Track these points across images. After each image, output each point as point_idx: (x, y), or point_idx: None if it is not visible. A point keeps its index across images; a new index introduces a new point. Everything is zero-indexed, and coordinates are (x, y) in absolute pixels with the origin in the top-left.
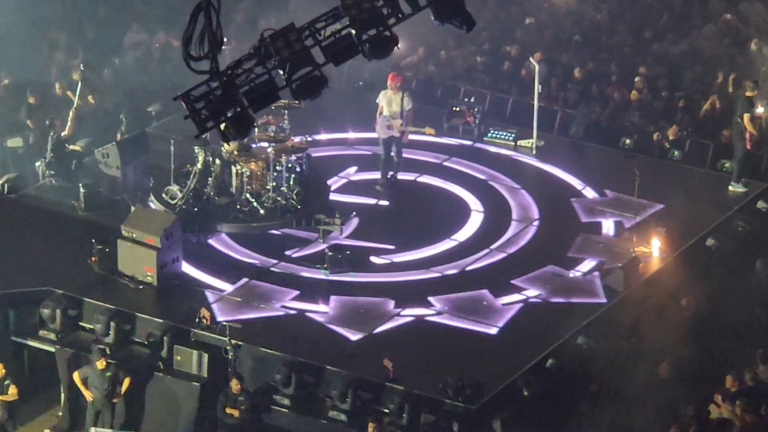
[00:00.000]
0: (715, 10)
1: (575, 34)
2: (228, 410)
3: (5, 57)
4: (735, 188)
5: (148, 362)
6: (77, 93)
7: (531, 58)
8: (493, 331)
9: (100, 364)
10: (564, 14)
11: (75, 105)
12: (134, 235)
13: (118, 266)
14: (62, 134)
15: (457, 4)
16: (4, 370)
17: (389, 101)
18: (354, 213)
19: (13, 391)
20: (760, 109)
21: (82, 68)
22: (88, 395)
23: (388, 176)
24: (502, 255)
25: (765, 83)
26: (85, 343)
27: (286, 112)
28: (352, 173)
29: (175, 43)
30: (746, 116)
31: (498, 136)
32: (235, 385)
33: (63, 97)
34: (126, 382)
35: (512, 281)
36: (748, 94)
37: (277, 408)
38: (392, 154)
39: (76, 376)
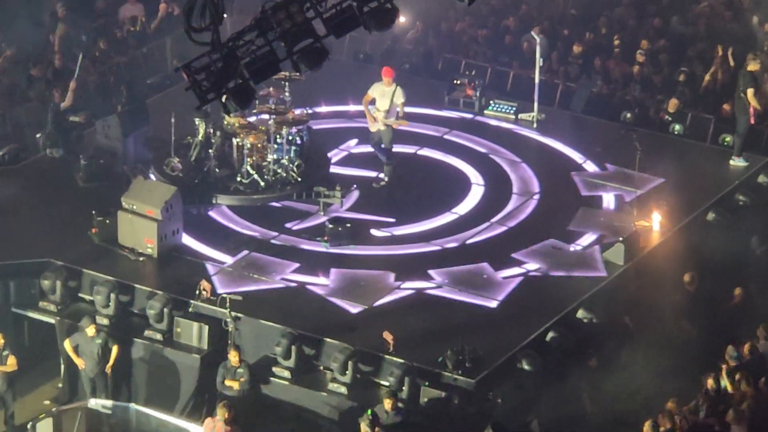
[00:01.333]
0: None
1: (574, 8)
2: (227, 383)
3: (7, 28)
4: (736, 163)
5: (148, 334)
6: (78, 64)
7: (532, 32)
8: (493, 304)
9: (90, 330)
10: None
11: (75, 76)
12: (134, 207)
13: (118, 238)
14: (62, 105)
15: None
16: (3, 341)
17: (381, 94)
18: (354, 186)
19: (12, 362)
20: None
21: (84, 39)
22: (80, 363)
23: (377, 176)
24: (503, 228)
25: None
26: (84, 315)
27: (286, 84)
28: (352, 146)
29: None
30: (750, 91)
31: (499, 109)
32: (234, 357)
33: (64, 68)
34: (115, 350)
35: (513, 255)
36: (750, 68)
37: (277, 380)
38: (381, 147)
39: (67, 343)
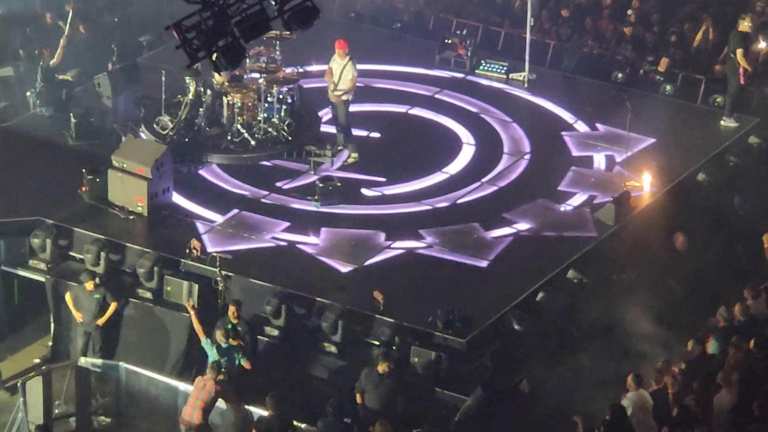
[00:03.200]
0: None
1: None
2: (231, 342)
3: None
4: (727, 123)
5: (138, 292)
6: (68, 22)
7: None
8: (484, 264)
9: (89, 285)
10: None
11: (65, 34)
12: (125, 166)
13: (108, 196)
14: (51, 63)
15: None
16: None
17: (336, 68)
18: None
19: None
20: (762, 44)
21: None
22: (78, 316)
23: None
24: (493, 188)
25: (759, 18)
26: (74, 273)
27: (277, 43)
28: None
29: None
30: (739, 51)
31: (490, 69)
32: (232, 312)
33: (54, 26)
34: (113, 306)
35: (503, 214)
36: (741, 28)
37: (268, 339)
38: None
39: (68, 296)
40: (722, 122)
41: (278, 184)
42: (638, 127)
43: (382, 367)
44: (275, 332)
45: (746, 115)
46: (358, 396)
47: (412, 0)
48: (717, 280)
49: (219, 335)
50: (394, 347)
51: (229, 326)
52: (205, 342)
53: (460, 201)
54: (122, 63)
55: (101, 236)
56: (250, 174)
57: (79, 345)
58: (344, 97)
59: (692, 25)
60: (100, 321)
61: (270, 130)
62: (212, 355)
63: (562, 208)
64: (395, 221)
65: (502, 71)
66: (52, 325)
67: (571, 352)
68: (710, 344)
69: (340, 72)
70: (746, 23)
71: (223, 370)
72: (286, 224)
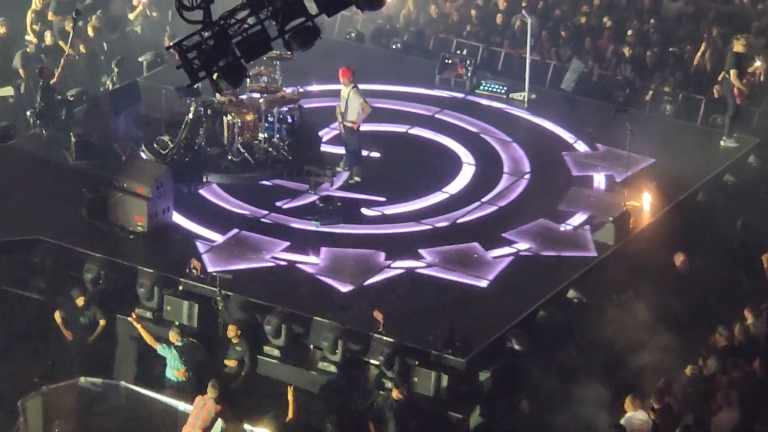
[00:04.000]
0: None
1: None
2: (226, 362)
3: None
4: (726, 143)
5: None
6: (69, 41)
7: (523, 11)
8: (484, 284)
9: (80, 301)
10: None
11: (66, 53)
12: (125, 185)
13: (108, 216)
14: (51, 82)
15: None
16: None
17: (342, 96)
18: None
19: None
20: (757, 63)
21: (75, 16)
22: (68, 335)
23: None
24: (493, 208)
25: (758, 38)
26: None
27: (278, 63)
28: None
29: None
30: (733, 72)
31: (490, 88)
32: (232, 331)
33: (55, 46)
34: (101, 324)
35: (503, 234)
36: (736, 49)
37: (267, 359)
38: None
39: (57, 315)
40: (722, 143)
41: (278, 203)
42: (638, 147)
43: (397, 393)
44: (275, 351)
45: (746, 135)
46: (371, 425)
47: (413, 20)
48: (717, 299)
49: (173, 335)
50: (394, 367)
51: (176, 323)
52: (161, 348)
53: (460, 220)
54: (122, 82)
55: (101, 256)
56: (250, 194)
57: (75, 362)
58: (354, 126)
59: (693, 46)
60: (91, 339)
61: (270, 149)
62: (172, 357)
63: (562, 228)
64: (395, 241)
65: (503, 91)
66: (52, 345)
67: (571, 372)
68: (710, 364)
69: (345, 101)
70: (741, 44)
71: (183, 368)
72: (286, 244)
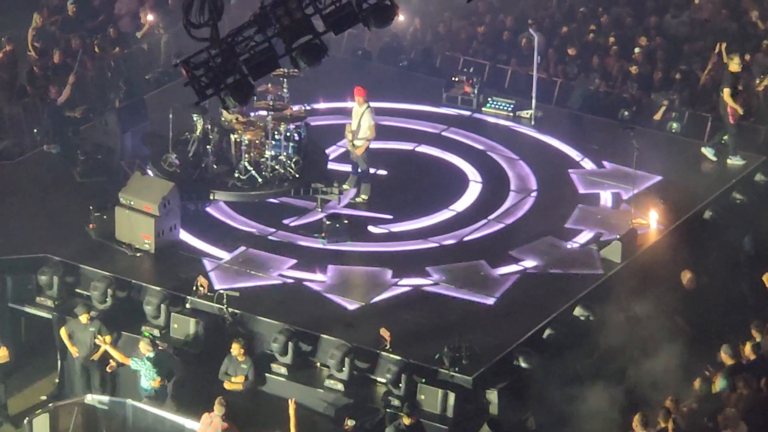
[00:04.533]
0: None
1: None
2: (233, 379)
3: (6, 22)
4: (733, 161)
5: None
6: (77, 59)
7: (530, 29)
8: (491, 301)
9: (84, 318)
10: None
11: (75, 70)
12: (132, 203)
13: (115, 233)
14: (59, 100)
15: None
16: None
17: (354, 115)
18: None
19: (3, 353)
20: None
21: (83, 34)
22: (74, 351)
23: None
24: (500, 225)
25: (766, 57)
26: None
27: (285, 80)
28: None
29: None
30: (726, 91)
31: (497, 106)
32: (236, 349)
33: (61, 64)
34: (107, 339)
35: (510, 252)
36: (731, 68)
37: (274, 376)
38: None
39: (62, 331)
40: (728, 161)
41: (285, 221)
42: (645, 165)
43: (408, 421)
44: (282, 369)
45: (752, 153)
46: None
47: (419, 38)
48: (724, 317)
49: (143, 346)
50: (401, 384)
51: (146, 333)
52: (133, 363)
53: (466, 238)
54: (129, 100)
55: (108, 273)
56: (257, 211)
57: (81, 379)
58: (363, 146)
59: (700, 63)
60: (96, 356)
61: (277, 167)
62: (147, 368)
63: (568, 246)
64: (402, 258)
65: (509, 109)
66: (59, 362)
67: (578, 390)
68: (718, 382)
69: (358, 120)
70: (735, 63)
71: (158, 377)
72: (293, 261)
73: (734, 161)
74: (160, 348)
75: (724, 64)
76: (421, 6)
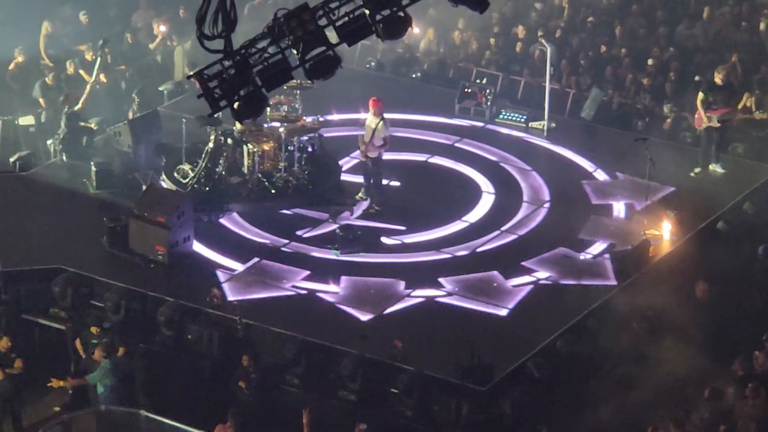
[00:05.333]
0: None
1: (588, 15)
2: (240, 384)
3: (17, 34)
4: (715, 168)
5: (158, 341)
6: (95, 68)
7: (541, 39)
8: (504, 312)
9: (95, 330)
10: None
11: (92, 80)
12: (146, 214)
13: (129, 245)
14: (76, 108)
15: None
16: (10, 344)
17: (368, 125)
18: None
19: (18, 365)
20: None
21: (101, 44)
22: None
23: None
24: (513, 236)
25: None
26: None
27: (298, 92)
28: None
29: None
30: (700, 95)
31: (509, 117)
32: (246, 360)
33: (75, 75)
34: (120, 352)
35: (523, 263)
36: (715, 79)
37: (287, 387)
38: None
39: (77, 342)
40: (710, 167)
41: (298, 232)
42: (658, 176)
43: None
44: (295, 380)
45: (765, 164)
46: None
47: (432, 49)
48: (737, 328)
49: (99, 353)
50: (413, 395)
51: (95, 341)
52: (92, 378)
53: (479, 249)
54: (143, 112)
55: (122, 285)
56: (270, 222)
57: (94, 392)
58: (376, 155)
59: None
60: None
61: (290, 178)
62: (103, 375)
63: (581, 257)
64: (415, 270)
65: (522, 120)
66: (73, 373)
67: (590, 401)
68: (729, 393)
69: (372, 131)
70: (719, 76)
71: (116, 380)
72: (306, 273)
73: (716, 168)
74: (115, 354)
75: (737, 75)
76: (434, 17)
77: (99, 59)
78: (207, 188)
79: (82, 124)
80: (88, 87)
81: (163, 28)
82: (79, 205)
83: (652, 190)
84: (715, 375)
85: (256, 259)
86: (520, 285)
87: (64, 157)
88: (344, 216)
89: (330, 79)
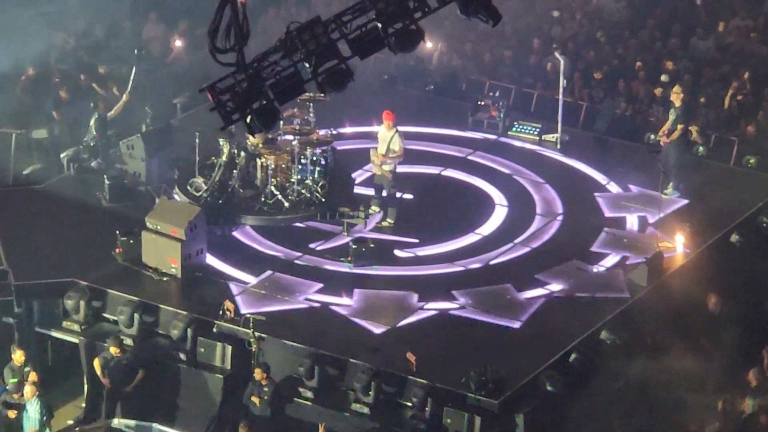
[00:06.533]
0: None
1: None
2: (252, 398)
3: (28, 47)
4: (666, 191)
5: (172, 354)
6: (132, 77)
7: (555, 53)
8: (517, 325)
9: (114, 350)
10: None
11: (129, 89)
12: (159, 227)
13: (142, 258)
14: (108, 115)
15: None
16: (24, 358)
17: (382, 138)
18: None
19: (33, 378)
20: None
21: (136, 52)
22: (105, 383)
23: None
24: (526, 249)
25: None
26: (108, 335)
27: (311, 105)
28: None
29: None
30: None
31: (522, 130)
32: (259, 374)
33: (88, 88)
34: (140, 373)
35: (536, 275)
36: (671, 98)
37: (300, 400)
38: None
39: (96, 362)
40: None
41: (312, 245)
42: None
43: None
44: (308, 393)
45: None
46: None
47: (445, 62)
48: (750, 341)
49: (30, 392)
50: (426, 408)
51: (14, 380)
52: (26, 421)
53: (492, 262)
54: (156, 125)
55: (135, 298)
56: (283, 235)
57: (108, 410)
58: (390, 167)
59: (726, 86)
60: (129, 387)
61: (303, 191)
62: (35, 410)
63: (594, 269)
64: (428, 282)
65: (535, 133)
66: (86, 387)
67: (604, 413)
68: (746, 404)
69: (387, 144)
70: (675, 95)
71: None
72: (320, 285)
73: (667, 191)
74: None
75: (750, 88)
76: (447, 30)
77: (134, 68)
78: (220, 201)
79: (110, 132)
80: (125, 96)
81: (178, 43)
82: (91, 218)
83: (666, 202)
84: (728, 387)
85: (269, 272)
86: (533, 298)
87: (95, 163)
88: (357, 229)
89: (343, 91)
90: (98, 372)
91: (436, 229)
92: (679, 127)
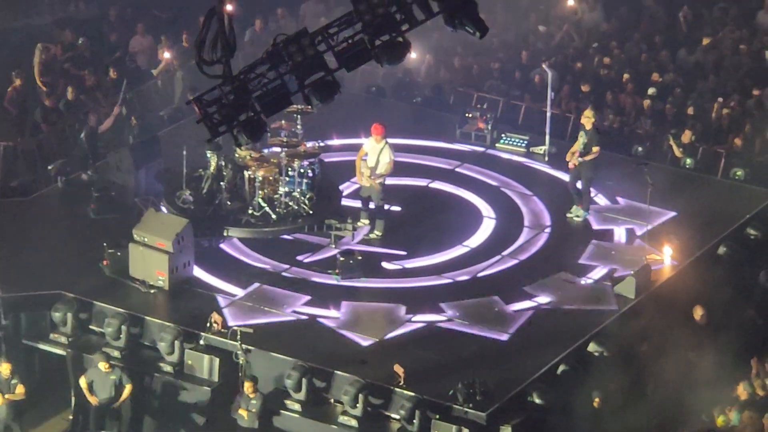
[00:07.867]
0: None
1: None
2: (240, 411)
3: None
4: (574, 213)
5: (159, 366)
6: (122, 90)
7: (543, 65)
8: (504, 337)
9: (103, 366)
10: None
11: (120, 101)
12: (146, 239)
13: (129, 270)
14: (99, 128)
15: (470, 11)
16: (10, 370)
17: (371, 151)
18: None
19: (20, 391)
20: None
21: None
22: (93, 400)
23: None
24: (514, 261)
25: None
26: (95, 347)
27: (298, 117)
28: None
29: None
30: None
31: (510, 142)
32: (248, 387)
33: (75, 100)
34: (128, 389)
35: (524, 288)
36: (582, 120)
37: (288, 413)
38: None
39: (82, 381)
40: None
41: (299, 257)
42: (658, 201)
43: None
44: (296, 406)
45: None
46: None
47: (433, 74)
48: (737, 353)
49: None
50: (414, 421)
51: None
52: None
53: (480, 274)
54: (143, 137)
55: (122, 310)
56: (271, 248)
57: (94, 424)
58: (380, 180)
59: (713, 99)
60: (116, 405)
61: (291, 203)
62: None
63: (582, 282)
64: (416, 295)
65: (523, 145)
66: (73, 399)
67: (592, 426)
68: (732, 416)
69: (377, 156)
70: (586, 117)
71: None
72: (307, 298)
73: (576, 213)
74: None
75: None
76: (434, 42)
77: (124, 84)
78: (207, 213)
79: (100, 144)
80: (115, 110)
81: (167, 55)
82: (79, 230)
83: (653, 215)
84: (715, 399)
85: (256, 285)
86: (521, 310)
87: (87, 174)
88: (345, 241)
89: (330, 104)
90: (85, 391)
91: (424, 241)
92: (595, 149)
